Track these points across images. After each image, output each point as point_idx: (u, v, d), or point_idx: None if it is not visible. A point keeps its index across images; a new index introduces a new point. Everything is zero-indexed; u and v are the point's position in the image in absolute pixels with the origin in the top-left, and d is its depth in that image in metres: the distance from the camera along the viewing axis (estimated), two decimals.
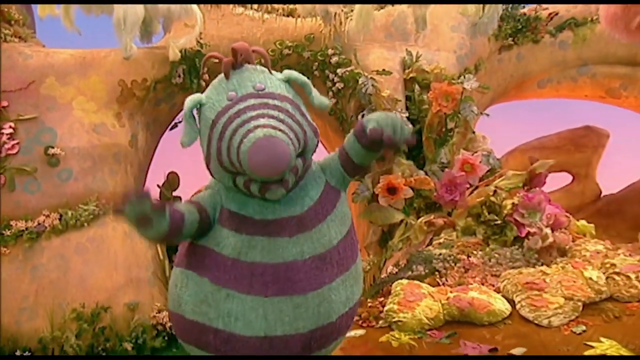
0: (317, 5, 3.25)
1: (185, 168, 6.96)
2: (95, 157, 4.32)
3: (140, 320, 4.36)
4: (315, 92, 2.45)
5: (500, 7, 4.02)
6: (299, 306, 2.22)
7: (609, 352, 3.14)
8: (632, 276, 3.80)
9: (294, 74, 2.45)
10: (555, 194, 8.42)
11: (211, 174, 2.37)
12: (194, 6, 3.71)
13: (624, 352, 3.10)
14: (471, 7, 3.39)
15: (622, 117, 7.86)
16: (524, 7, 7.20)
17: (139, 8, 3.01)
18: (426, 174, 5.40)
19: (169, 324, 4.58)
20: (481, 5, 3.74)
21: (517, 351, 3.22)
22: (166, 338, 4.54)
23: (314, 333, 2.29)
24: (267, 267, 2.21)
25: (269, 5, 4.87)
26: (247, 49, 2.38)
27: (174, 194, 6.91)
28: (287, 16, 5.76)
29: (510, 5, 7.14)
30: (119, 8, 2.88)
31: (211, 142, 2.21)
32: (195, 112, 2.37)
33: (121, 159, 4.57)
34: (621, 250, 4.38)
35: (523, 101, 8.01)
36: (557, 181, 8.56)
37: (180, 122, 6.10)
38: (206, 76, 5.35)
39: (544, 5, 7.14)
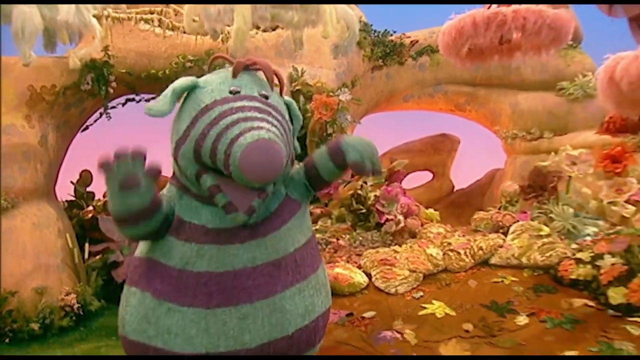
0: (206, 24, 3.24)
1: (94, 165, 6.69)
2: (5, 156, 4.09)
3: (48, 303, 4.13)
4: (297, 132, 2.30)
5: (357, 34, 4.16)
6: (245, 317, 1.85)
7: (437, 312, 3.31)
8: (462, 252, 4.05)
9: (294, 105, 2.29)
10: (419, 188, 8.76)
11: (175, 159, 1.99)
12: (94, 20, 3.59)
13: (448, 311, 3.29)
14: (332, 31, 3.50)
15: (468, 127, 8.26)
16: (392, 34, 7.41)
17: (37, 20, 2.86)
18: None
19: (77, 305, 4.39)
20: (344, 30, 3.85)
21: (368, 314, 3.32)
22: (73, 318, 4.33)
23: (265, 348, 1.89)
24: (212, 276, 1.86)
25: (171, 22, 4.76)
26: (269, 65, 2.12)
27: (87, 189, 6.65)
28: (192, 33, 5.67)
29: (381, 32, 7.35)
30: (17, 19, 2.73)
31: (195, 124, 1.86)
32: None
33: (30, 157, 4.32)
34: (458, 233, 4.63)
35: (392, 112, 8.22)
36: (420, 178, 8.88)
37: (91, 124, 5.87)
38: (114, 84, 5.20)
39: (407, 34, 7.39)
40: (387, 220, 4.46)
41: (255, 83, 2.03)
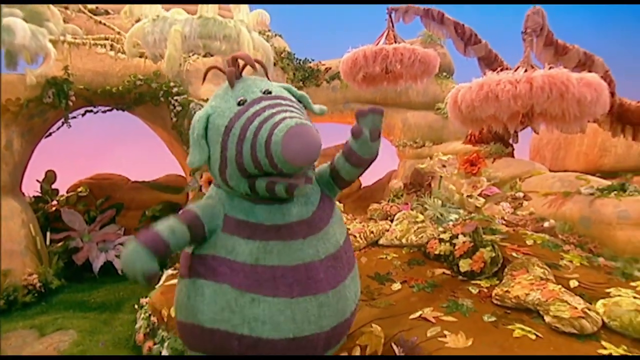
0: (146, 50, 3.28)
1: (60, 167, 6.50)
2: None
3: (11, 283, 4.04)
4: (310, 102, 2.07)
5: (272, 60, 4.30)
6: (322, 305, 1.78)
7: None
8: (357, 235, 4.19)
9: (292, 87, 2.05)
10: None
11: (225, 182, 1.81)
12: (49, 45, 3.53)
13: None
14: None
15: None
16: (311, 62, 7.56)
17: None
18: None
19: (39, 284, 4.29)
20: (262, 57, 3.98)
21: None
22: (36, 295, 4.26)
23: (334, 330, 1.85)
24: (287, 270, 1.76)
25: (122, 47, 4.72)
26: (249, 56, 1.93)
27: (52, 187, 6.44)
28: (140, 57, 5.60)
29: (302, 60, 7.49)
30: None
31: (226, 147, 1.71)
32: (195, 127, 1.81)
33: None
34: (357, 220, 4.80)
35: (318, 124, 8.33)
36: None
37: (54, 132, 5.70)
38: (73, 98, 5.07)
39: (323, 62, 7.56)
40: None
41: (254, 85, 1.86)
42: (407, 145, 7.20)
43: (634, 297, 2.97)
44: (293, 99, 1.94)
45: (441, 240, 3.89)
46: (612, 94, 3.81)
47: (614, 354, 2.49)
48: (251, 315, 1.70)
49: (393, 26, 4.39)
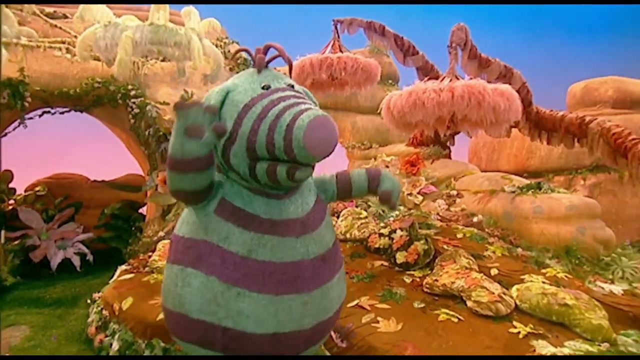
0: (100, 54, 3.21)
1: (18, 168, 6.25)
2: None
3: None
4: None
5: (222, 66, 4.31)
6: (306, 303, 1.72)
7: None
8: None
9: (308, 92, 1.94)
10: None
11: (225, 160, 1.68)
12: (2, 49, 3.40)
13: None
14: (199, 64, 3.61)
15: None
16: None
17: None
18: None
19: None
20: (213, 63, 3.99)
21: None
22: None
23: (316, 328, 1.80)
24: (277, 266, 1.68)
25: (85, 50, 4.58)
26: (282, 48, 1.81)
27: (9, 186, 6.18)
28: (97, 60, 5.46)
29: None
30: None
31: (240, 124, 1.60)
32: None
33: None
34: None
35: None
36: None
37: (9, 132, 5.47)
38: (29, 99, 4.89)
39: (278, 68, 7.57)
40: None
41: (279, 76, 1.79)
42: (356, 147, 7.34)
43: (543, 282, 3.18)
44: (312, 97, 1.89)
45: (381, 235, 4.01)
46: (530, 103, 4.04)
47: (522, 332, 2.67)
48: (236, 309, 1.63)
49: (338, 36, 4.48)
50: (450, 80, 3.08)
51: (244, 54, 7.42)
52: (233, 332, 1.64)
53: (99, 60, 4.35)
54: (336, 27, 4.43)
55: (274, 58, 1.81)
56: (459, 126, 3.43)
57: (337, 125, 1.58)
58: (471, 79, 2.90)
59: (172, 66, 6.18)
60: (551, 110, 4.12)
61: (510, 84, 3.76)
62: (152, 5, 3.50)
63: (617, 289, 3.29)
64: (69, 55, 4.42)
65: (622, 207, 7.54)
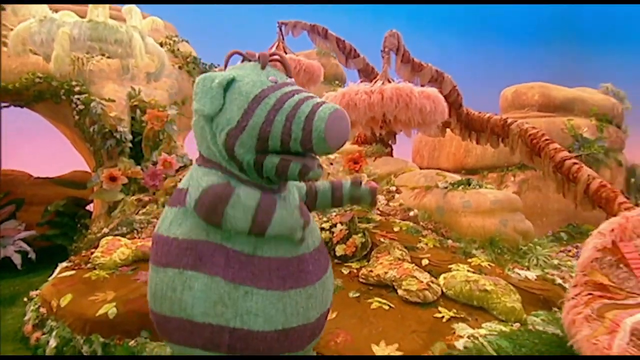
0: (36, 49, 3.06)
1: None
2: None
3: None
4: None
5: (166, 64, 4.24)
6: (310, 296, 1.67)
7: None
8: None
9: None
10: None
11: (228, 149, 1.60)
12: None
13: None
14: (141, 62, 3.53)
15: None
16: (217, 67, 7.45)
17: None
18: (142, 168, 5.35)
19: None
20: (157, 61, 3.91)
21: None
22: None
23: (319, 321, 1.75)
24: (282, 262, 1.63)
25: (20, 44, 4.34)
26: (285, 57, 1.84)
27: None
28: (37, 54, 5.20)
29: (209, 65, 7.37)
30: None
31: (252, 113, 1.52)
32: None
33: None
34: None
35: None
36: None
37: None
38: None
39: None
40: None
41: (280, 73, 1.75)
42: None
43: (468, 271, 3.36)
44: None
45: (322, 229, 4.07)
46: (460, 106, 4.25)
47: (446, 316, 2.82)
48: (244, 309, 1.55)
49: (283, 38, 4.51)
50: (383, 83, 3.20)
51: (193, 53, 7.29)
52: (241, 332, 1.56)
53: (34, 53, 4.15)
54: (280, 29, 4.45)
55: (273, 61, 1.79)
56: (393, 126, 3.56)
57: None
58: (402, 82, 3.02)
59: (119, 63, 6.00)
60: (479, 112, 4.35)
61: (441, 87, 3.94)
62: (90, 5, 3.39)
63: (532, 274, 3.53)
64: (6, 49, 4.18)
65: (546, 201, 8.03)
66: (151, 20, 3.75)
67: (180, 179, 4.91)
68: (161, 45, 6.75)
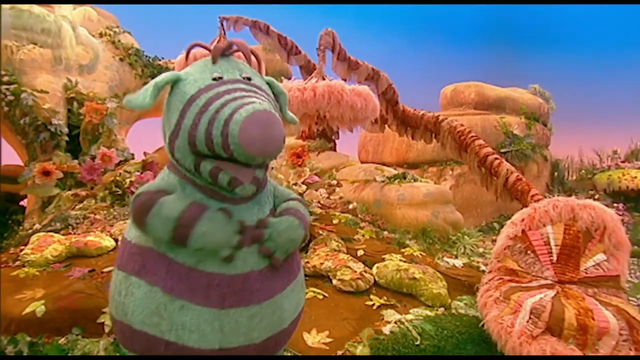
0: None
1: None
2: None
3: None
4: (285, 104, 1.74)
5: (100, 56, 4.08)
6: (254, 316, 1.53)
7: None
8: None
9: (275, 82, 1.74)
10: None
11: (172, 153, 1.52)
12: None
13: None
14: (72, 53, 3.38)
15: None
16: (161, 59, 7.24)
17: None
18: (79, 162, 5.12)
19: None
20: (93, 55, 3.74)
21: (107, 269, 3.17)
22: None
23: (267, 342, 1.61)
24: (224, 278, 1.48)
25: None
26: (246, 46, 1.60)
27: None
28: None
29: (152, 57, 7.14)
30: None
31: (184, 116, 1.42)
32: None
33: None
34: None
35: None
36: None
37: None
38: None
39: (172, 60, 7.29)
40: None
41: (236, 67, 1.57)
42: None
43: (400, 260, 3.50)
44: (270, 93, 1.64)
45: None
46: (396, 103, 4.38)
47: (376, 304, 2.93)
48: (179, 322, 1.46)
49: (224, 33, 4.44)
50: (317, 80, 3.24)
51: (136, 45, 7.03)
52: (176, 346, 1.47)
53: None
54: (222, 24, 4.39)
55: (233, 52, 1.62)
56: (329, 122, 3.62)
57: (280, 122, 1.39)
58: (334, 80, 3.09)
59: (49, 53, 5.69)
60: (415, 110, 4.51)
61: (377, 85, 4.04)
62: None
63: (459, 262, 3.73)
64: None
65: (480, 194, 8.45)
66: (83, 10, 3.58)
67: (120, 174, 4.76)
68: (100, 36, 6.47)
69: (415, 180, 4.60)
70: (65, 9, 3.38)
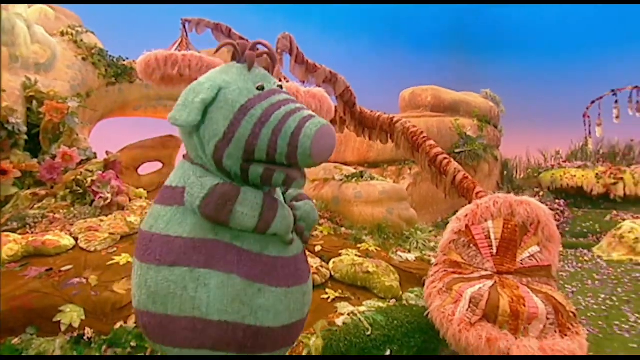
0: None
1: None
2: None
3: None
4: None
5: (58, 55, 3.93)
6: (306, 293, 1.71)
7: (121, 261, 3.13)
8: None
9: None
10: (153, 174, 8.52)
11: (217, 159, 1.52)
12: None
13: (131, 260, 3.03)
14: (26, 52, 3.24)
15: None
16: (125, 59, 7.02)
17: None
18: (39, 162, 4.90)
19: None
20: (51, 54, 3.60)
21: (65, 268, 3.08)
22: None
23: (306, 318, 1.78)
24: (286, 260, 1.62)
25: None
26: (271, 48, 1.67)
27: None
28: None
29: (116, 58, 6.91)
30: None
31: (237, 125, 1.45)
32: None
33: None
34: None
35: (126, 117, 7.78)
36: (153, 167, 8.64)
37: None
38: None
39: (136, 60, 7.10)
40: (100, 198, 4.28)
41: (267, 76, 1.64)
42: None
43: (355, 255, 3.55)
44: None
45: None
46: (354, 104, 4.44)
47: (331, 297, 2.97)
48: (258, 305, 1.52)
49: (187, 35, 4.38)
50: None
51: (99, 44, 6.79)
52: (254, 328, 1.53)
53: None
54: (184, 26, 4.31)
55: (261, 54, 1.67)
56: None
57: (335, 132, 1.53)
58: (292, 82, 3.11)
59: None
60: (371, 111, 4.58)
61: (335, 87, 4.08)
62: None
63: (411, 256, 3.83)
64: None
65: (436, 191, 8.55)
66: (39, 9, 3.42)
67: (82, 173, 4.59)
68: (62, 35, 6.23)
69: (372, 178, 4.68)
70: (20, 7, 3.23)
